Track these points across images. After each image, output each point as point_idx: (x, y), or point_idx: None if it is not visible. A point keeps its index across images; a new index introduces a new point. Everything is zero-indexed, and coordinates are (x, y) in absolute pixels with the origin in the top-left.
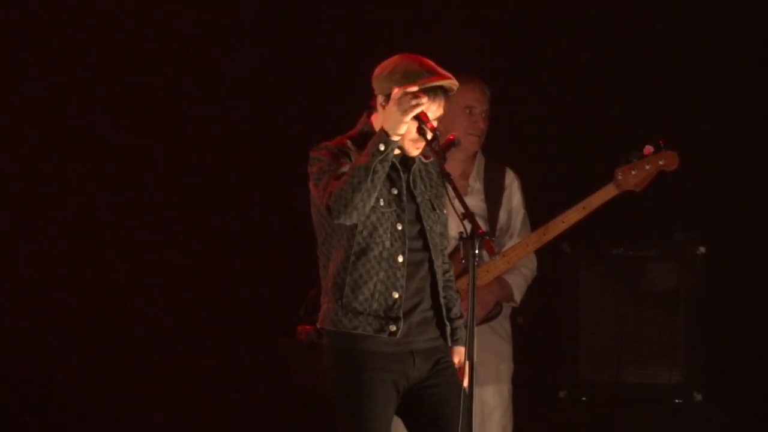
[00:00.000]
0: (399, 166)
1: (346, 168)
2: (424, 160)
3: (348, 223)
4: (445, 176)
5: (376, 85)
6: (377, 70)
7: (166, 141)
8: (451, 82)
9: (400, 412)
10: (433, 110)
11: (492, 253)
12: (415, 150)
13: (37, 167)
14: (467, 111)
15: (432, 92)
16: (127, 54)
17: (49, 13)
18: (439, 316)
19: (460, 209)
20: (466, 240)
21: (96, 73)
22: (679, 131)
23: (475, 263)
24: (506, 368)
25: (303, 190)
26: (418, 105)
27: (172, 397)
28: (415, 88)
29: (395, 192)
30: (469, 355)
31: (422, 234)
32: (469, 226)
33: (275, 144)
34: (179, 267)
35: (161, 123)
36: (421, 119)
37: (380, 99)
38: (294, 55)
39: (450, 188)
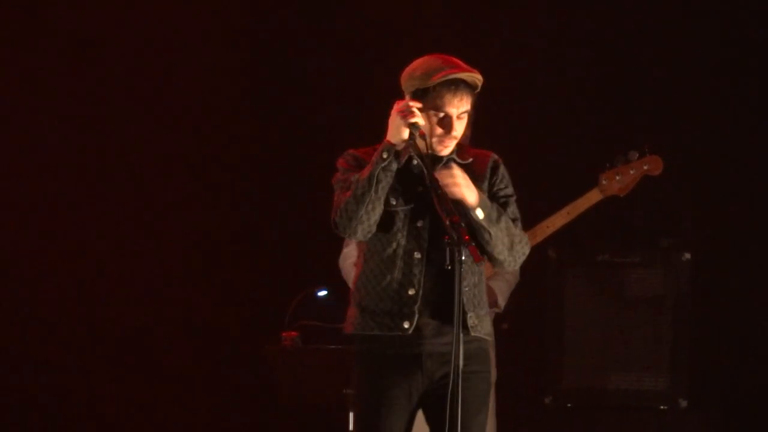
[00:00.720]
0: (424, 164)
1: (348, 175)
2: (459, 161)
3: (353, 238)
4: (433, 182)
5: (403, 85)
6: (405, 70)
7: (152, 148)
8: (473, 76)
9: (425, 415)
10: (455, 104)
11: (477, 259)
12: (442, 148)
13: (26, 169)
14: None
15: (453, 85)
16: (125, 56)
17: (44, 15)
18: (462, 317)
19: (447, 215)
20: (452, 246)
21: (92, 75)
22: (663, 136)
23: (461, 270)
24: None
25: (290, 198)
26: (414, 113)
27: (157, 404)
28: (418, 105)
29: (420, 189)
30: (455, 362)
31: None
32: (455, 233)
33: (264, 152)
34: (164, 273)
35: (149, 128)
36: (414, 126)
37: (407, 98)
38: (289, 60)
39: (438, 193)
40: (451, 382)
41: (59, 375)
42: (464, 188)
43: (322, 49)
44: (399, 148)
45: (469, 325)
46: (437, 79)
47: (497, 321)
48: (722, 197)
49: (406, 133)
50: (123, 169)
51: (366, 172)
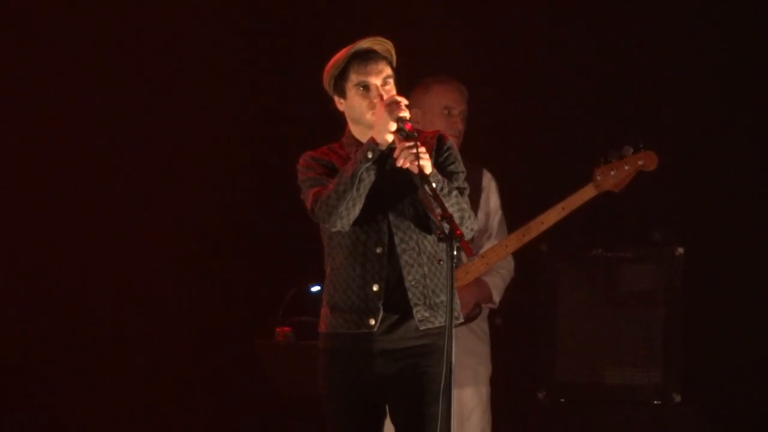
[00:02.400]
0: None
1: (314, 173)
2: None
3: (333, 229)
4: (424, 177)
5: (325, 85)
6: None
7: (144, 146)
8: (378, 41)
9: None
10: (372, 71)
11: (470, 254)
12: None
13: (22, 168)
14: (445, 112)
15: (362, 55)
16: (120, 53)
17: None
18: (410, 311)
19: (439, 210)
20: (445, 241)
21: (84, 72)
22: (657, 131)
23: (453, 264)
24: (484, 369)
25: (284, 192)
26: (402, 107)
27: (149, 399)
28: (405, 102)
29: (381, 183)
30: (447, 357)
31: (408, 225)
32: (447, 228)
33: (256, 148)
34: (157, 269)
35: (142, 126)
36: (401, 120)
37: (336, 98)
38: (285, 60)
39: (429, 189)
40: (443, 377)
41: (51, 371)
42: (424, 160)
43: (320, 48)
44: (383, 147)
45: (417, 319)
46: (345, 55)
47: (491, 316)
48: (715, 191)
49: (393, 126)
50: (113, 167)
51: (350, 169)
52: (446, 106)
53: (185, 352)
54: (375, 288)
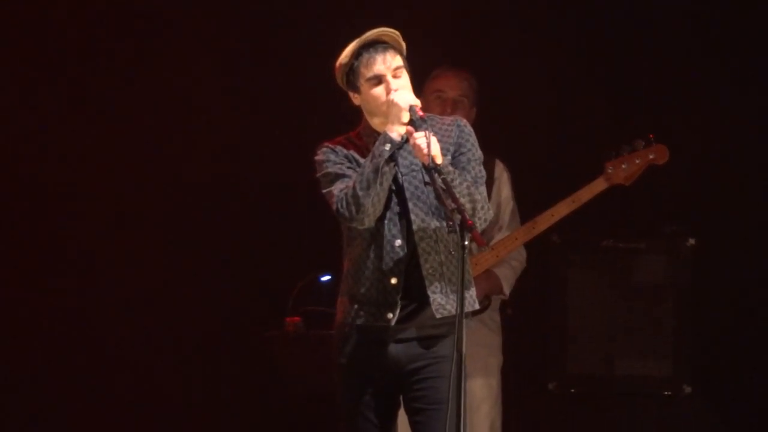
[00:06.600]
0: (397, 151)
1: (336, 168)
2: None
3: (360, 227)
4: (435, 169)
5: (338, 80)
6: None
7: (148, 142)
8: (385, 32)
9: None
10: (380, 62)
11: (481, 244)
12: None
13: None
14: (436, 95)
15: (369, 47)
16: (122, 57)
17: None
18: (426, 299)
19: (450, 201)
20: (456, 232)
21: (80, 69)
22: (668, 124)
23: (464, 255)
24: (495, 361)
25: (294, 183)
26: (413, 99)
27: (158, 389)
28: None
29: (398, 174)
30: (458, 347)
31: (426, 212)
32: (458, 218)
33: (265, 137)
34: (167, 258)
35: (143, 127)
36: (413, 110)
37: (350, 93)
38: (284, 54)
39: (439, 180)
40: (452, 365)
41: (62, 359)
42: (434, 150)
43: (317, 44)
44: (398, 138)
45: (433, 308)
46: (353, 50)
47: (502, 308)
48: (727, 183)
49: (405, 117)
50: (124, 157)
51: (370, 164)
52: (437, 89)
53: (195, 343)
54: (393, 281)
